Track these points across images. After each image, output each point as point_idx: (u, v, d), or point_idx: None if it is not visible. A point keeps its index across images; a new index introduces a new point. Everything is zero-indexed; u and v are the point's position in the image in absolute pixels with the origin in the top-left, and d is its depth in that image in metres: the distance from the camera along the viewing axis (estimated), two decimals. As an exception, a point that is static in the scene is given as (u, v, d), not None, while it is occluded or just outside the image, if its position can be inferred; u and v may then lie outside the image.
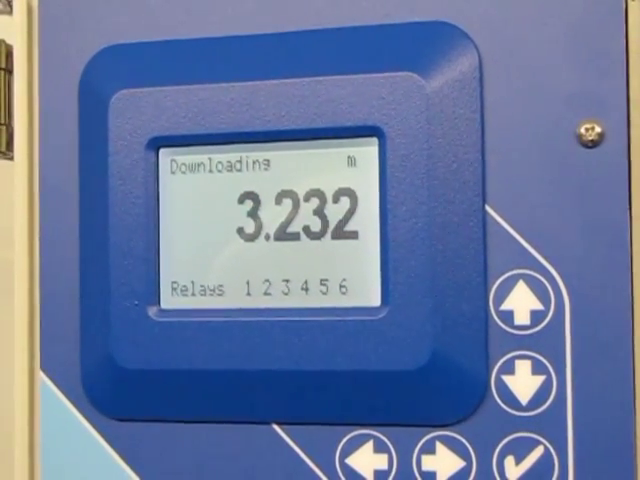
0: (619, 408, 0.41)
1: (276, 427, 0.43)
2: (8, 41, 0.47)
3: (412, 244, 0.41)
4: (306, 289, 0.43)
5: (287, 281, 0.43)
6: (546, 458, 0.41)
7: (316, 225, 0.43)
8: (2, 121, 0.46)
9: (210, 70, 0.44)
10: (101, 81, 0.45)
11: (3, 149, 0.46)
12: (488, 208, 0.41)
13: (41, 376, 0.46)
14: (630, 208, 0.41)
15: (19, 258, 0.46)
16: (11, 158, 0.47)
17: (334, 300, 0.42)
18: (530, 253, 0.41)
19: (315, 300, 0.43)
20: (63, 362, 0.45)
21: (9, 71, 0.47)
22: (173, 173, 0.44)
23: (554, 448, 0.41)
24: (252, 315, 0.43)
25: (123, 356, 0.44)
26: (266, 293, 0.43)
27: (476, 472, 0.42)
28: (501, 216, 0.41)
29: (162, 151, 0.44)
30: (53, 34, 0.46)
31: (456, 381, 0.41)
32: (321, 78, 0.42)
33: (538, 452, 0.41)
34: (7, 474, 0.47)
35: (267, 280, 0.43)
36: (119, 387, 0.44)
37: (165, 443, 0.44)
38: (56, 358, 0.46)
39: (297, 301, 0.43)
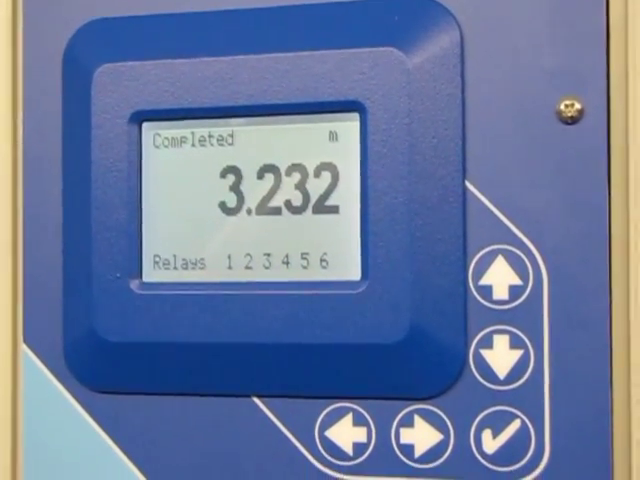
0: (595, 383, 0.41)
1: (256, 400, 0.44)
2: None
3: (392, 219, 0.41)
4: (287, 263, 0.43)
5: (268, 255, 0.43)
6: (523, 432, 0.42)
7: (297, 199, 0.43)
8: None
9: (193, 44, 0.44)
10: (85, 55, 0.45)
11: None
12: (468, 184, 0.42)
13: (24, 349, 0.46)
14: (609, 184, 0.41)
15: (2, 232, 0.46)
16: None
17: (315, 274, 0.43)
18: (509, 228, 0.42)
19: (296, 274, 0.43)
20: (46, 335, 0.46)
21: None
22: (156, 147, 0.44)
23: (531, 422, 0.41)
24: (233, 288, 0.43)
25: (105, 329, 0.44)
26: (247, 267, 0.43)
27: (454, 445, 0.42)
28: (481, 192, 0.42)
29: (145, 125, 0.44)
30: (37, 9, 0.46)
31: (435, 355, 0.42)
32: (303, 53, 0.42)
33: (515, 426, 0.42)
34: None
35: (248, 254, 0.43)
36: (101, 360, 0.45)
37: (146, 415, 0.45)
38: (39, 331, 0.46)
39: (278, 275, 0.43)
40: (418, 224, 0.41)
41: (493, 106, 0.42)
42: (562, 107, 0.41)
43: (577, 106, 0.41)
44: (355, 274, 0.42)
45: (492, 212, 0.42)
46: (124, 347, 0.44)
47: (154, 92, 0.44)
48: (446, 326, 0.42)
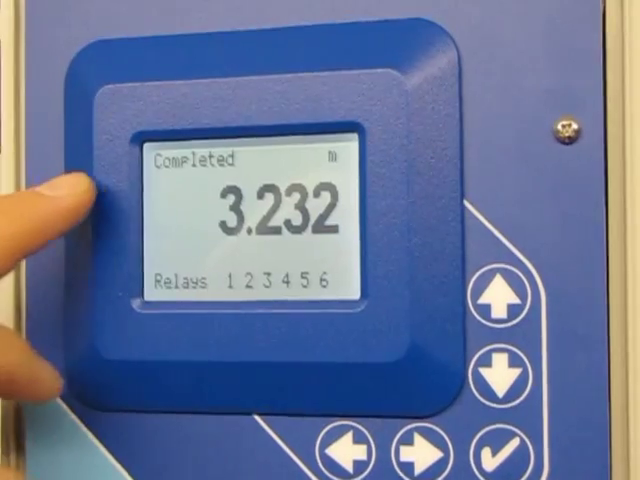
0: (594, 401, 0.41)
1: (257, 418, 0.44)
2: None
3: (391, 238, 0.42)
4: (287, 282, 0.43)
5: (268, 274, 0.44)
6: (522, 449, 0.42)
7: (297, 219, 0.43)
8: (-11, 111, 0.47)
9: (194, 66, 0.44)
10: (86, 76, 0.45)
11: (-11, 142, 0.47)
12: (466, 203, 0.42)
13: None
14: (606, 204, 0.42)
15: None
16: (-2, 151, 0.47)
17: (315, 293, 0.43)
18: (507, 247, 0.42)
19: (296, 293, 0.43)
20: (47, 353, 0.46)
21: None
22: (157, 167, 0.45)
23: (530, 440, 0.42)
24: (234, 307, 0.43)
25: (107, 347, 0.44)
26: (248, 286, 0.44)
27: (453, 463, 0.42)
28: (479, 211, 0.42)
29: (146, 145, 0.45)
30: (40, 29, 0.47)
31: (434, 373, 0.42)
32: (302, 74, 0.43)
33: (514, 444, 0.42)
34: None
35: (249, 273, 0.44)
36: (102, 378, 0.45)
37: (148, 433, 0.45)
38: (40, 349, 0.46)
39: (278, 294, 0.43)
40: (417, 243, 0.42)
41: (491, 126, 0.42)
42: (559, 127, 0.41)
43: (574, 126, 0.41)
44: (354, 293, 0.43)
45: (490, 231, 0.42)
46: (125, 365, 0.44)
47: (155, 113, 0.44)
48: (445, 345, 0.42)
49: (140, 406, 0.45)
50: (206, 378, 0.44)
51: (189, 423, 0.45)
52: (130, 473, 0.45)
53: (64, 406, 0.46)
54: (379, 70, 0.42)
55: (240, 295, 0.44)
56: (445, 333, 0.42)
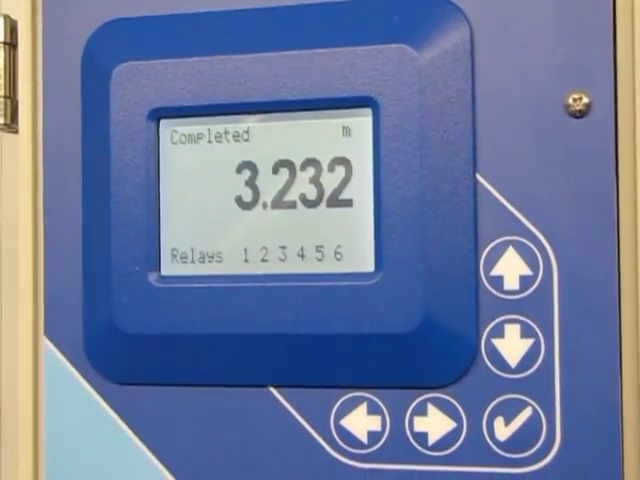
0: (605, 370, 0.42)
1: (273, 390, 0.45)
2: (13, 16, 0.48)
3: (404, 212, 0.42)
4: (302, 255, 0.44)
5: (283, 248, 0.44)
6: (534, 419, 0.42)
7: (312, 193, 0.44)
8: (7, 94, 0.48)
9: (209, 43, 0.45)
10: (103, 54, 0.46)
11: (8, 121, 0.48)
12: (479, 176, 0.43)
13: (45, 342, 0.47)
14: (617, 176, 0.42)
15: (24, 227, 0.47)
16: (16, 131, 0.48)
17: (329, 266, 0.44)
18: (519, 220, 0.42)
19: (311, 266, 0.44)
20: (66, 328, 0.47)
21: (13, 45, 0.48)
22: (174, 143, 0.45)
23: (542, 409, 0.42)
24: (250, 281, 0.44)
25: (124, 321, 0.45)
26: (263, 260, 0.44)
27: (467, 433, 0.43)
28: (491, 184, 0.43)
29: (163, 122, 0.45)
30: (56, 9, 0.47)
31: (447, 344, 0.43)
32: (317, 50, 0.43)
33: (527, 413, 0.42)
34: (12, 437, 0.49)
35: (264, 247, 0.44)
36: (121, 352, 0.46)
37: (165, 406, 0.46)
38: (60, 324, 0.47)
39: (293, 267, 0.44)
40: (430, 216, 0.42)
41: (502, 100, 0.43)
42: (570, 101, 0.42)
43: (585, 100, 0.42)
44: (369, 266, 0.43)
45: (502, 204, 0.43)
46: (143, 339, 0.45)
47: (171, 90, 0.45)
48: (458, 316, 0.42)
49: (157, 379, 0.46)
50: (222, 351, 0.44)
51: (205, 396, 0.45)
52: (148, 446, 0.46)
53: (82, 380, 0.47)
54: (393, 46, 0.43)
55: (255, 269, 0.44)
56: (458, 305, 0.42)
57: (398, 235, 0.42)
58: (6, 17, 0.48)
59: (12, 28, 0.48)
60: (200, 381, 0.45)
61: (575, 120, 0.42)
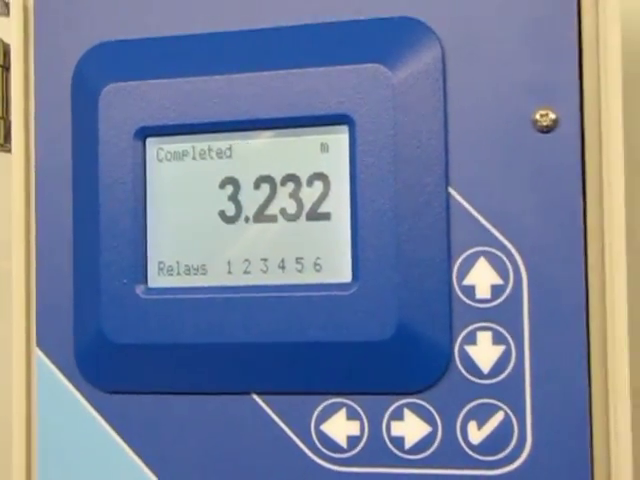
0: (574, 376, 0.43)
1: (256, 397, 0.46)
2: (5, 40, 0.50)
3: (380, 224, 0.44)
4: (283, 267, 0.46)
5: (265, 260, 0.46)
6: (506, 423, 0.44)
7: (292, 207, 0.46)
8: (1, 115, 0.50)
9: (192, 64, 0.47)
10: (92, 76, 0.48)
11: (1, 141, 0.50)
12: (451, 190, 0.44)
13: (37, 352, 0.49)
14: (584, 189, 0.44)
15: (16, 241, 0.49)
16: (9, 150, 0.50)
17: (309, 277, 0.45)
18: (490, 232, 0.44)
19: (291, 277, 0.46)
20: (57, 339, 0.49)
21: (6, 68, 0.50)
22: (160, 161, 0.47)
23: (513, 414, 0.44)
24: (233, 292, 0.46)
25: (113, 331, 0.47)
26: (246, 272, 0.46)
27: (441, 436, 0.45)
28: (463, 197, 0.44)
29: (149, 140, 0.47)
30: (48, 33, 0.49)
31: (422, 351, 0.44)
32: (295, 70, 0.45)
33: (498, 417, 0.44)
34: (5, 445, 0.50)
35: (247, 260, 0.46)
36: (109, 361, 0.47)
37: (152, 413, 0.47)
38: (51, 335, 0.49)
39: (275, 278, 0.46)
40: (404, 229, 0.44)
41: (473, 117, 0.45)
42: (537, 117, 0.44)
43: (552, 116, 0.44)
44: (346, 277, 0.45)
45: (474, 216, 0.44)
46: (131, 349, 0.47)
47: (157, 109, 0.47)
48: (432, 324, 0.44)
49: (145, 387, 0.47)
50: (207, 359, 0.46)
51: (192, 403, 0.47)
52: (137, 453, 0.48)
53: (73, 389, 0.48)
54: (367, 65, 0.45)
55: (238, 280, 0.46)
56: (432, 313, 0.44)
57: (373, 247, 0.44)
58: (-1, 41, 0.50)
59: (5, 51, 0.50)
60: (186, 389, 0.47)
61: (542, 135, 0.44)
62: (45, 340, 0.49)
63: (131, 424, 0.48)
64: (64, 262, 0.48)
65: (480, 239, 0.44)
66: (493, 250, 0.44)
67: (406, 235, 0.44)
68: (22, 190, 0.49)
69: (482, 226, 0.44)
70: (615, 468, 0.43)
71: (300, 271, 0.46)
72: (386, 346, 0.44)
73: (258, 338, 0.45)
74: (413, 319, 0.44)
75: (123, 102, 0.47)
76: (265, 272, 0.46)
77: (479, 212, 0.44)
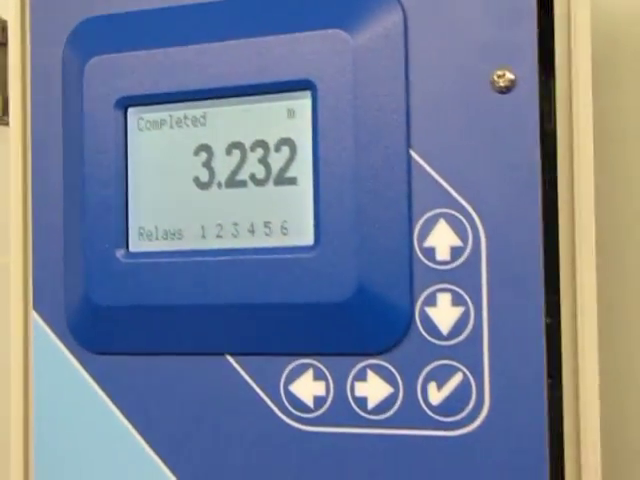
0: (530, 337, 0.43)
1: (229, 358, 0.48)
2: (3, 17, 0.52)
3: (341, 187, 0.45)
4: (252, 231, 0.47)
5: (236, 224, 0.47)
6: (464, 384, 0.44)
7: (261, 173, 0.47)
8: (-1, 88, 0.52)
9: (168, 35, 0.48)
10: (77, 50, 0.50)
11: (0, 114, 0.52)
12: (412, 152, 0.45)
13: (34, 315, 0.51)
14: (542, 148, 0.44)
15: (15, 210, 0.52)
16: (7, 123, 0.52)
17: (277, 240, 0.46)
18: (450, 193, 0.44)
19: (260, 241, 0.47)
20: (52, 303, 0.51)
21: (3, 44, 0.52)
22: (140, 130, 0.49)
23: (472, 375, 0.44)
24: (206, 256, 0.47)
25: (96, 295, 0.49)
26: (218, 236, 0.47)
27: (403, 398, 0.45)
28: (424, 160, 0.45)
29: (130, 110, 0.49)
30: (42, 9, 0.52)
31: (382, 312, 0.45)
32: (260, 39, 0.46)
33: (457, 379, 0.44)
34: (4, 403, 0.53)
35: (219, 224, 0.47)
36: (95, 323, 0.49)
37: (134, 373, 0.49)
38: (46, 299, 0.51)
39: (245, 242, 0.47)
40: (365, 192, 0.45)
41: (434, 79, 0.45)
42: (495, 77, 0.44)
43: (509, 76, 0.43)
44: (311, 240, 0.46)
45: (434, 178, 0.45)
46: (113, 311, 0.49)
47: (135, 80, 0.48)
48: (392, 285, 0.45)
49: (127, 349, 0.49)
50: (183, 321, 0.48)
51: (171, 363, 0.49)
52: (122, 412, 0.50)
53: (65, 350, 0.51)
54: (328, 31, 0.45)
55: (212, 244, 0.47)
56: (392, 275, 0.45)
57: (335, 210, 0.45)
58: (-4, 19, 0.52)
59: (2, 28, 0.52)
60: (166, 349, 0.48)
61: (500, 96, 0.44)
62: (41, 304, 0.51)
63: (117, 384, 0.50)
64: (58, 229, 0.50)
65: (440, 201, 0.45)
66: (453, 212, 0.44)
67: (367, 198, 0.45)
68: (20, 161, 0.52)
69: (442, 188, 0.44)
70: (568, 427, 0.43)
71: (268, 235, 0.47)
72: (346, 307, 0.45)
73: (228, 300, 0.47)
74: (373, 280, 0.44)
75: (105, 74, 0.49)
76: (236, 236, 0.47)
77: (439, 174, 0.45)
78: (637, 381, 0.58)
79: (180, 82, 0.48)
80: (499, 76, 0.44)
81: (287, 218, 0.46)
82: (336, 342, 0.46)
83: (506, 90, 0.44)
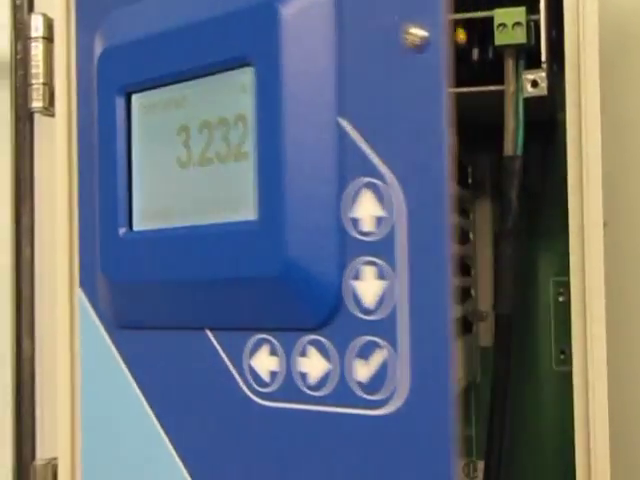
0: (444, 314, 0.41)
1: (208, 332, 0.49)
2: (50, 15, 0.57)
3: (277, 161, 0.44)
4: (212, 208, 0.48)
5: (201, 202, 0.48)
6: (388, 362, 0.42)
7: (223, 150, 0.47)
8: (45, 81, 0.57)
9: (155, 24, 0.50)
10: (97, 43, 0.53)
11: (46, 105, 0.57)
12: (341, 120, 0.43)
13: (79, 292, 0.56)
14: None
15: (61, 201, 0.56)
16: (52, 114, 0.57)
17: (229, 216, 0.47)
18: (373, 162, 0.42)
19: (216, 217, 0.47)
20: (91, 279, 0.55)
21: (50, 39, 0.57)
22: (140, 114, 0.51)
23: (394, 352, 0.42)
24: (173, 233, 0.49)
25: (107, 271, 0.52)
26: (188, 213, 0.49)
27: (338, 374, 0.44)
28: (353, 127, 0.43)
29: (133, 97, 0.52)
30: (85, 9, 0.56)
31: (314, 286, 0.44)
32: (205, 20, 0.47)
33: (382, 355, 0.42)
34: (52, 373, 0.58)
35: (192, 201, 0.49)
36: (110, 298, 0.53)
37: (136, 345, 0.52)
38: (87, 275, 0.55)
39: (206, 219, 0.48)
40: (297, 163, 0.44)
41: (363, 47, 0.43)
42: (406, 35, 0.41)
43: (421, 33, 0.41)
44: (254, 215, 0.46)
45: (360, 147, 0.43)
46: (114, 287, 0.52)
47: (130, 68, 0.51)
48: (322, 259, 0.44)
49: (128, 323, 0.52)
50: (163, 297, 0.50)
51: (162, 338, 0.51)
52: (135, 381, 0.52)
53: (99, 323, 0.54)
54: (260, 3, 0.45)
55: (182, 222, 0.49)
56: (321, 248, 0.43)
57: (273, 184, 0.45)
58: (44, 16, 0.57)
59: (49, 25, 0.57)
60: (149, 324, 0.51)
61: (414, 55, 0.41)
62: (84, 280, 0.55)
63: (130, 355, 0.53)
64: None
65: (365, 170, 0.43)
66: (376, 181, 0.43)
67: (298, 169, 0.44)
68: (65, 150, 0.56)
69: (367, 156, 0.43)
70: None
71: (224, 211, 0.47)
72: (281, 281, 0.44)
73: (194, 276, 0.48)
74: (303, 254, 0.44)
75: (108, 64, 0.52)
76: (201, 213, 0.48)
77: (366, 142, 0.43)
78: None
79: (162, 67, 0.50)
80: (410, 33, 0.41)
81: (239, 194, 0.47)
82: (278, 317, 0.45)
83: (419, 49, 0.41)
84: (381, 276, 0.42)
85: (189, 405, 0.50)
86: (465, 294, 0.58)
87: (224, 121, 0.47)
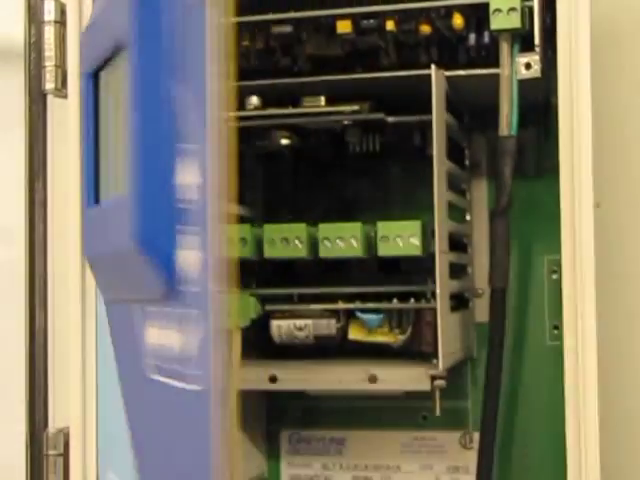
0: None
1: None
2: (62, 0, 0.59)
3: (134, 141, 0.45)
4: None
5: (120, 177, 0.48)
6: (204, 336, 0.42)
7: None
8: (58, 63, 0.59)
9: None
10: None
11: (59, 87, 0.59)
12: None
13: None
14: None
15: (73, 177, 0.59)
16: (65, 96, 0.59)
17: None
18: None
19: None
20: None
21: (63, 24, 0.59)
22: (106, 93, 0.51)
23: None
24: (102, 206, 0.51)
25: (84, 245, 0.55)
26: (111, 188, 0.50)
27: (178, 347, 0.44)
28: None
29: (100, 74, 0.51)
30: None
31: (161, 260, 0.44)
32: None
33: (200, 330, 0.42)
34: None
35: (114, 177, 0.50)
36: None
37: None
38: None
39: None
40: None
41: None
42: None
43: None
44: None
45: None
46: (88, 261, 0.54)
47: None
48: (164, 231, 0.44)
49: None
50: (101, 269, 0.52)
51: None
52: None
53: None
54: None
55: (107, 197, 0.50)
56: (163, 220, 0.44)
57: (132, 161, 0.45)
58: (57, 1, 0.59)
59: (62, 10, 0.59)
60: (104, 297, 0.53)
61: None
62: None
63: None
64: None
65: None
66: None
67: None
68: (77, 131, 0.58)
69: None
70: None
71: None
72: (135, 255, 0.44)
73: (98, 251, 0.50)
74: (151, 229, 0.44)
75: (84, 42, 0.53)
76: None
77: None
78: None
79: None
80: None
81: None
82: (142, 289, 0.46)
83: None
84: (197, 247, 0.42)
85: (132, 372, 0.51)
86: (462, 271, 0.60)
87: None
